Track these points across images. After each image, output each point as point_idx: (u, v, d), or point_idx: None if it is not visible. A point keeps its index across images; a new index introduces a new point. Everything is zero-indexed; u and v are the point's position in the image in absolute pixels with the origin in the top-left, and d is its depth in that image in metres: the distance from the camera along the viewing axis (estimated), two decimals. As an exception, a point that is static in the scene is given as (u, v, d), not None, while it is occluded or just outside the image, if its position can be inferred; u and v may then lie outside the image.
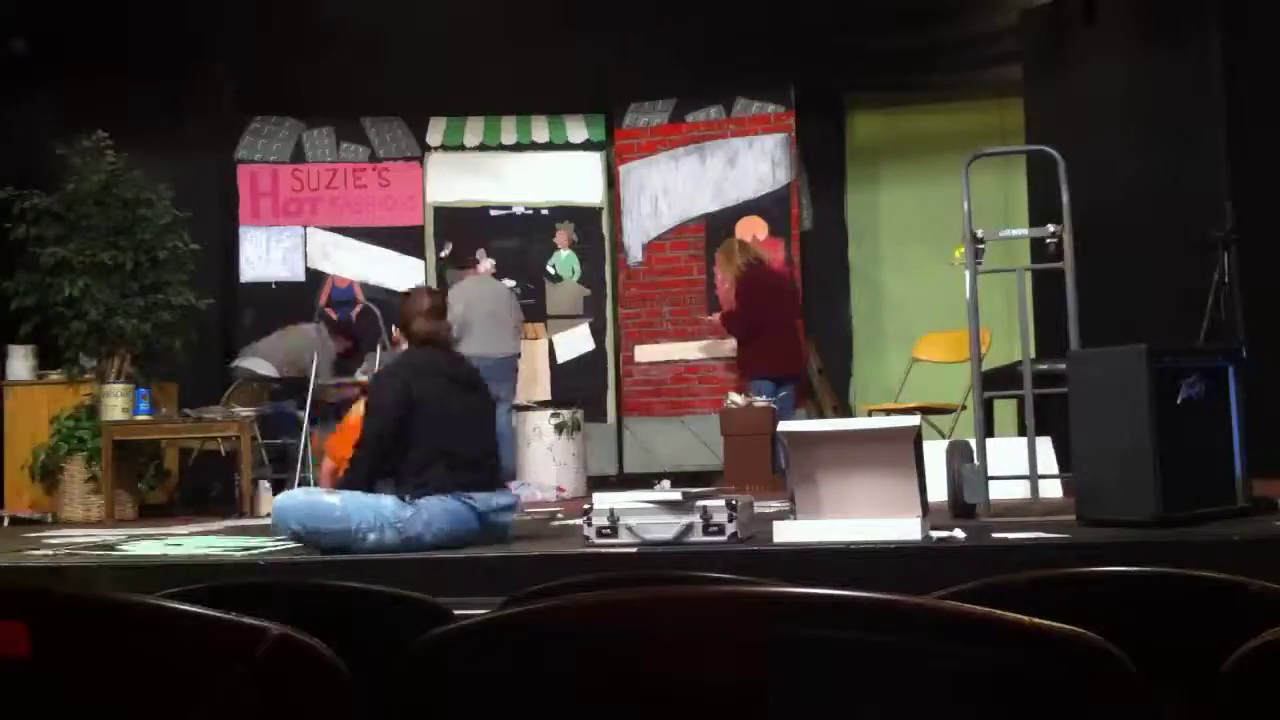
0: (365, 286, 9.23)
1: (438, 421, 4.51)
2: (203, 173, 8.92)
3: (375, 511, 4.39)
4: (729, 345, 9.03)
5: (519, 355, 8.41)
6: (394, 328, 4.94)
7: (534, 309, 9.44)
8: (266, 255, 9.25)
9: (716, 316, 8.50)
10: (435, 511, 4.42)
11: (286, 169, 9.35)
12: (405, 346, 4.83)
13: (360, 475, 4.54)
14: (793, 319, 8.20)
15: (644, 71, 9.16)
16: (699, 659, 1.11)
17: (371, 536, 4.38)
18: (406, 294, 5.01)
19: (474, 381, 4.82)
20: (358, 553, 4.36)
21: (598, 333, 9.43)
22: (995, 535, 4.13)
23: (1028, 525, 4.33)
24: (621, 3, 8.47)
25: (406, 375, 4.61)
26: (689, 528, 4.13)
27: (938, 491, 4.52)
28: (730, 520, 4.10)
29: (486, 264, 8.92)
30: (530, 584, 1.82)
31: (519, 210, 9.53)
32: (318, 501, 4.47)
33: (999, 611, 1.08)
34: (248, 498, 7.14)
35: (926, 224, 8.73)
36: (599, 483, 8.01)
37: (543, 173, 9.51)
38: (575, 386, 9.10)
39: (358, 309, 9.12)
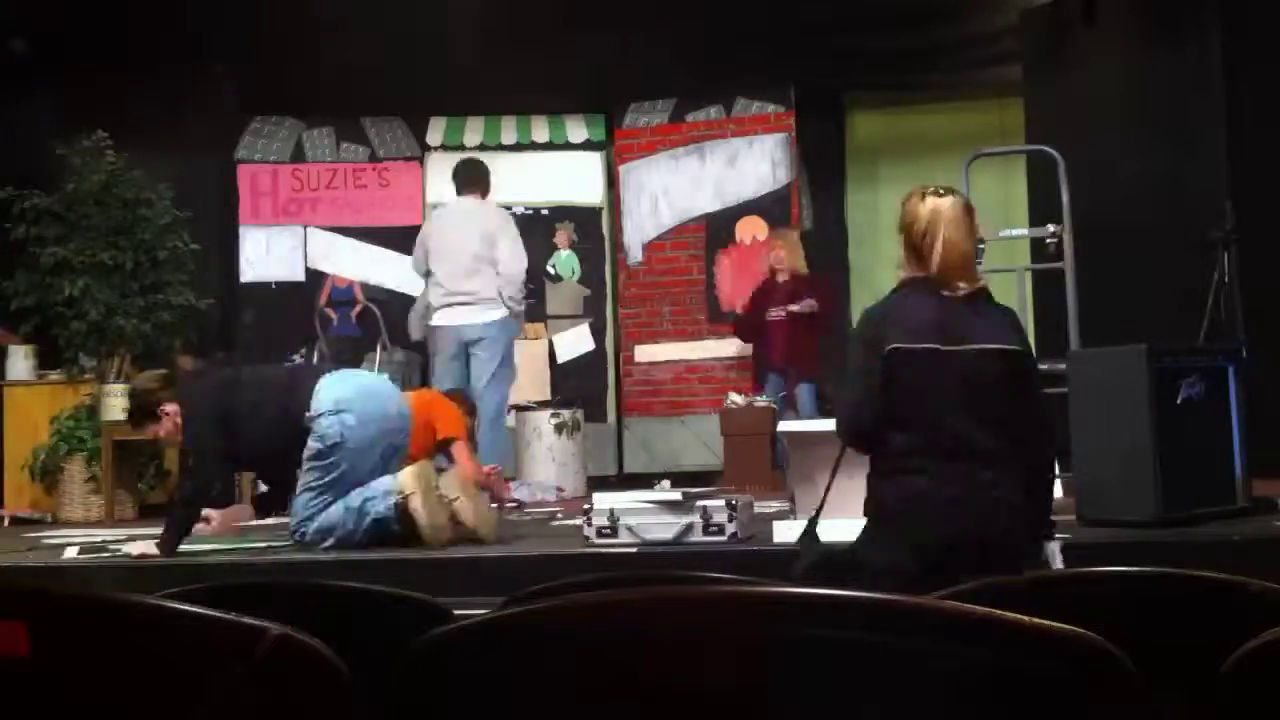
0: (365, 286, 9.22)
1: (261, 384, 4.83)
2: (203, 173, 8.91)
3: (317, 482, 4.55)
4: (729, 346, 9.04)
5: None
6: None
7: (534, 309, 9.43)
8: (266, 255, 9.25)
9: (804, 306, 7.97)
10: (333, 390, 4.60)
11: (286, 169, 9.34)
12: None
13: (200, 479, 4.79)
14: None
15: (644, 71, 9.15)
16: (699, 659, 1.11)
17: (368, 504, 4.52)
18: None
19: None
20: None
21: (598, 333, 9.43)
22: (995, 535, 4.12)
23: (1028, 525, 4.32)
24: (621, 3, 8.47)
25: (206, 402, 4.73)
26: (689, 528, 4.13)
27: (938, 491, 4.51)
28: (730, 520, 4.10)
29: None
30: (530, 584, 1.83)
31: (519, 210, 9.52)
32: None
33: (999, 611, 1.08)
34: (248, 498, 7.14)
35: (926, 224, 8.71)
36: (599, 483, 8.01)
37: (543, 173, 9.51)
38: (575, 386, 9.10)
39: (358, 309, 9.12)
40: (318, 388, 4.58)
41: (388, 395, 4.78)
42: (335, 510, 4.48)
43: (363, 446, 4.49)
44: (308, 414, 4.53)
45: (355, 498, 4.49)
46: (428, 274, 7.45)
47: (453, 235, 7.40)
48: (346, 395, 4.55)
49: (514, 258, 7.31)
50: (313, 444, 4.53)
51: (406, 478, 4.46)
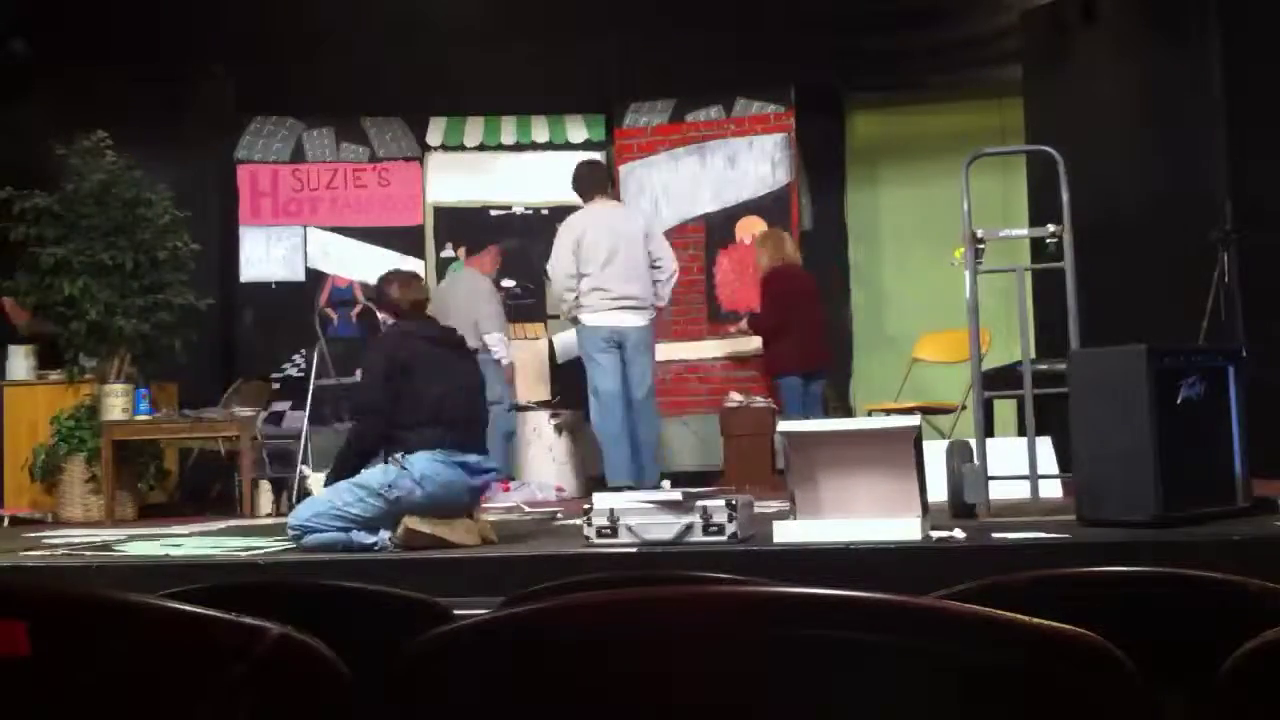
0: (365, 286, 9.21)
1: (427, 384, 4.61)
2: (203, 173, 8.92)
3: (358, 501, 4.46)
4: (729, 345, 9.04)
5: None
6: (378, 312, 5.02)
7: (534, 309, 9.44)
8: (266, 255, 9.25)
9: (744, 323, 8.45)
10: (426, 469, 4.47)
11: (286, 169, 9.34)
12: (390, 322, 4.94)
13: (364, 444, 4.69)
14: (816, 314, 8.01)
15: (644, 71, 9.15)
16: (699, 659, 1.11)
17: (365, 539, 4.46)
18: (382, 277, 5.15)
19: (462, 348, 4.96)
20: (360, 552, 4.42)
21: (598, 333, 9.41)
22: (995, 535, 4.13)
23: (1028, 525, 4.33)
24: (621, 3, 8.48)
25: (394, 342, 4.74)
26: (689, 528, 4.12)
27: (938, 491, 4.52)
28: (730, 520, 4.10)
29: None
30: (530, 584, 1.83)
31: (519, 210, 9.53)
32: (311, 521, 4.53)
33: (999, 611, 1.08)
34: (248, 498, 7.14)
35: (926, 224, 8.73)
36: (599, 483, 8.02)
37: (543, 173, 9.51)
38: (575, 386, 9.10)
39: (357, 309, 9.12)
40: (422, 449, 4.49)
41: (471, 488, 4.63)
42: (340, 536, 4.47)
43: (404, 510, 4.47)
44: (399, 454, 4.51)
45: (360, 538, 4.48)
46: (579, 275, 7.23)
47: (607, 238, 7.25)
48: (432, 476, 4.47)
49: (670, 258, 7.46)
50: (381, 477, 4.49)
51: (401, 529, 4.47)
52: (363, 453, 4.71)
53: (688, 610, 1.15)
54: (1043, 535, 4.04)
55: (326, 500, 4.52)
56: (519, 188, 9.52)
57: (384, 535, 4.46)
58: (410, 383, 4.59)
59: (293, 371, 8.85)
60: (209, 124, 8.96)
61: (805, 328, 7.80)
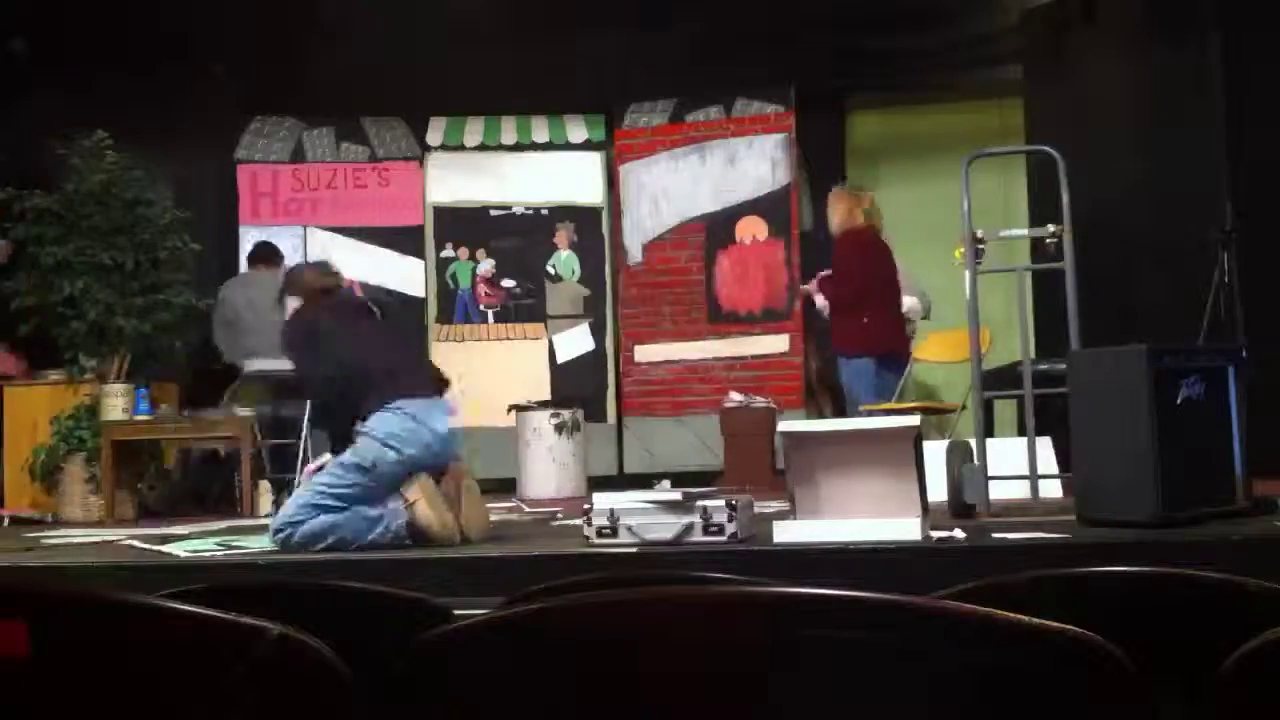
0: (365, 286, 9.19)
1: (351, 350, 4.70)
2: (203, 173, 8.92)
3: (337, 480, 4.49)
4: (729, 345, 9.03)
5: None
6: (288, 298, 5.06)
7: (534, 309, 9.44)
8: (266, 255, 9.24)
9: (814, 284, 7.69)
10: (390, 427, 4.50)
11: (286, 169, 9.35)
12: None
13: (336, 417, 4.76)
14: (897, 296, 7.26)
15: (644, 71, 9.15)
16: (699, 659, 1.11)
17: (369, 511, 4.48)
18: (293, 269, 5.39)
19: (367, 310, 5.10)
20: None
21: (598, 333, 9.43)
22: (995, 535, 4.13)
23: (1028, 525, 4.33)
24: (621, 3, 8.48)
25: (309, 317, 4.85)
26: (689, 528, 4.12)
27: (938, 491, 4.51)
28: (730, 520, 4.10)
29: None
30: (530, 584, 1.83)
31: (519, 210, 9.53)
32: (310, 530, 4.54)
33: (999, 611, 1.08)
34: (248, 498, 7.14)
35: (926, 224, 8.72)
36: (599, 483, 8.02)
37: (543, 173, 9.52)
38: (575, 386, 9.10)
39: (358, 309, 9.10)
40: (383, 411, 4.52)
41: (436, 433, 4.63)
42: (331, 518, 4.46)
43: (389, 478, 4.49)
44: (360, 425, 4.53)
45: (362, 512, 4.47)
46: None
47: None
48: (398, 433, 4.50)
49: None
50: (348, 454, 4.51)
51: (410, 488, 4.46)
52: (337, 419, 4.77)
53: (688, 610, 1.15)
54: (1043, 535, 4.04)
55: (303, 492, 4.52)
56: (519, 188, 9.52)
57: (391, 506, 4.45)
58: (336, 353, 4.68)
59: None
60: (209, 124, 8.95)
61: (883, 305, 7.07)
